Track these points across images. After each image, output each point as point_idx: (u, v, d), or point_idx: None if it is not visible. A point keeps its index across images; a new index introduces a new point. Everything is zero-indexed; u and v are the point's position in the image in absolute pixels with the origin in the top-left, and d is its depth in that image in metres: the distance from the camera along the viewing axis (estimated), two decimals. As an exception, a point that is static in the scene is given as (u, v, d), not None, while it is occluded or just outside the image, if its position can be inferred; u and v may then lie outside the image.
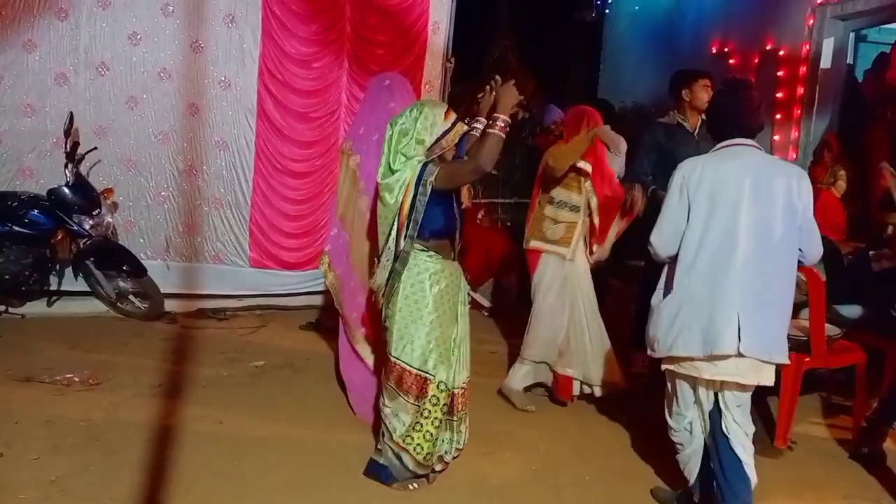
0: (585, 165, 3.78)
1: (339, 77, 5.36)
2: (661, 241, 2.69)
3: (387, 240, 2.93)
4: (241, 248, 5.31)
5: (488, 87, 3.26)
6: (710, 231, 2.55)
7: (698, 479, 2.83)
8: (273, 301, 5.48)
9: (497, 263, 6.00)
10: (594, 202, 3.85)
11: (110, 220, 4.82)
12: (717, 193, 2.55)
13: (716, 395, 2.68)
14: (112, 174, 4.97)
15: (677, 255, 2.64)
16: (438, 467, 3.07)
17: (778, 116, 6.14)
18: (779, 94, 6.15)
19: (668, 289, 2.67)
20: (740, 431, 2.65)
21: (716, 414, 2.67)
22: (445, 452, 3.08)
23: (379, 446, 3.05)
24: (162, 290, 5.00)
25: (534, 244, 3.93)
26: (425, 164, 2.82)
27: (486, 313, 5.90)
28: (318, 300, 5.64)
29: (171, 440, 3.26)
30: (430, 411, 2.92)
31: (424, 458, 2.94)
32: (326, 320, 5.20)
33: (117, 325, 4.85)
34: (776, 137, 6.12)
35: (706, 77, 4.18)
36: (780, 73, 6.16)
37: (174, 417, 3.50)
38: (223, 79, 5.09)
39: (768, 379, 2.60)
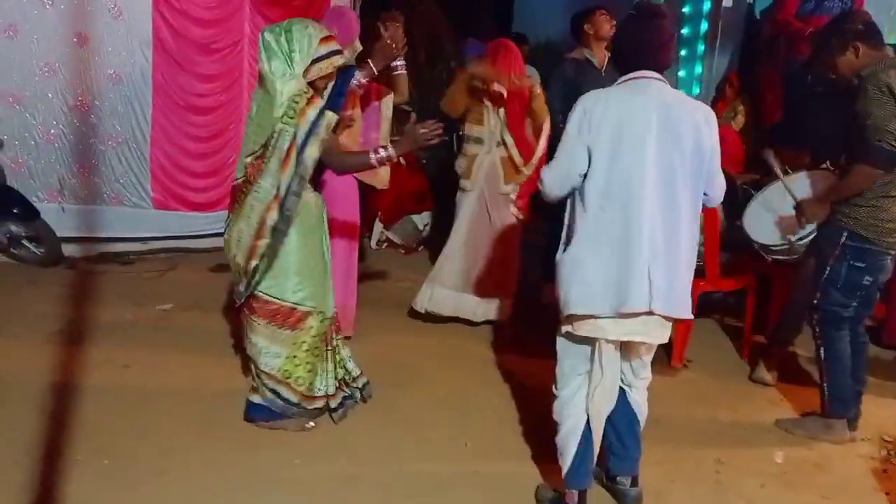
0: (501, 88, 3.81)
1: (241, 5, 5.08)
2: (553, 178, 2.38)
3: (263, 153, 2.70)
4: (142, 189, 5.07)
5: (382, 29, 3.33)
6: (614, 175, 2.25)
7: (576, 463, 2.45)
8: (181, 244, 5.28)
9: (410, 201, 5.98)
10: (509, 139, 3.87)
11: (-5, 159, 4.51)
12: (623, 131, 2.25)
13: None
14: (-7, 110, 4.61)
15: (578, 202, 2.34)
16: (320, 403, 2.98)
17: (683, 52, 6.30)
18: (684, 30, 6.29)
19: (569, 241, 2.38)
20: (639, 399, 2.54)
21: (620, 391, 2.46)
22: (335, 382, 3.01)
23: (254, 384, 2.96)
24: (58, 234, 4.74)
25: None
26: (322, 112, 2.65)
27: (403, 251, 5.91)
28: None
29: (72, 388, 3.14)
30: (305, 341, 2.87)
31: (307, 389, 2.91)
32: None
33: (11, 270, 4.60)
34: (681, 73, 6.29)
35: (602, 8, 4.25)
36: (685, 10, 6.30)
37: (75, 364, 3.38)
38: (113, 6, 4.74)
39: (666, 336, 2.42)
